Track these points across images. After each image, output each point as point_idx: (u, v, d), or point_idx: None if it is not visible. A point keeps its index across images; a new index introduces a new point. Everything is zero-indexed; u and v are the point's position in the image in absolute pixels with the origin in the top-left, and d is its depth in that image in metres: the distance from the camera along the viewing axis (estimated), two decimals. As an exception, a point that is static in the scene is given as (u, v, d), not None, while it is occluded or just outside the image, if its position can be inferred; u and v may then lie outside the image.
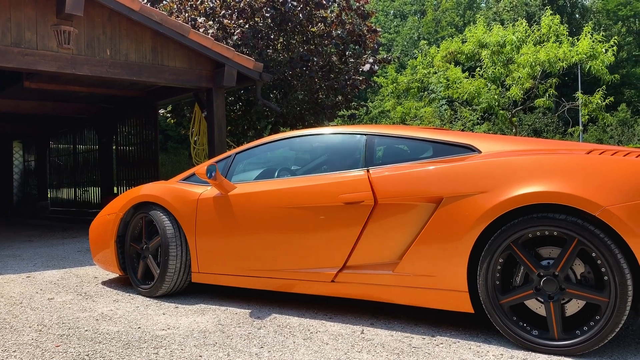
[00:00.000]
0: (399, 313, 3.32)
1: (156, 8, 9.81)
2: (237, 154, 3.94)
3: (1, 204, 15.01)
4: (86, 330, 3.12)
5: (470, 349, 2.69)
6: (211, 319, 3.31)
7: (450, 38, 16.61)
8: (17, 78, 8.29)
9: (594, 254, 2.51)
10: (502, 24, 20.55)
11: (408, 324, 3.11)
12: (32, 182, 14.85)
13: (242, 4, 10.32)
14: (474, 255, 2.80)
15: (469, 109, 17.48)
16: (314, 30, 10.65)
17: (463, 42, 15.13)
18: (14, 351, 2.79)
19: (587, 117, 14.98)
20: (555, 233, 2.58)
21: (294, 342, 2.84)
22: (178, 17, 10.27)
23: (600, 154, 2.74)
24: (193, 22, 9.98)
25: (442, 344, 2.77)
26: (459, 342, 2.79)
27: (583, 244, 2.52)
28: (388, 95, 20.68)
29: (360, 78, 11.18)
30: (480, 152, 3.05)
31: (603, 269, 2.49)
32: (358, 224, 3.20)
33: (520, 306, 2.73)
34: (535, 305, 2.68)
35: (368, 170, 3.24)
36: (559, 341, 2.56)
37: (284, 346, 2.78)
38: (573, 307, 2.62)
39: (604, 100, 14.13)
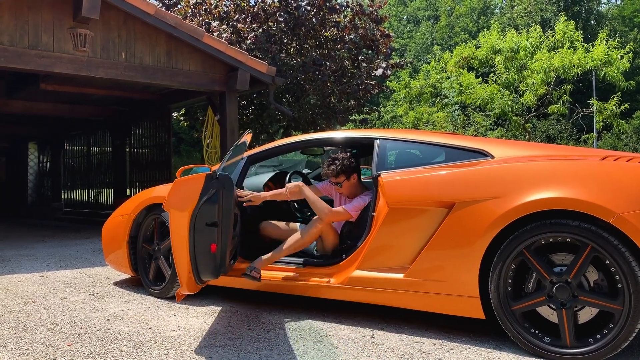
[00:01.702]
0: (409, 318, 3.30)
1: (171, 12, 9.89)
2: (249, 157, 3.96)
3: (15, 205, 15.19)
4: (98, 330, 3.15)
5: (481, 355, 2.67)
6: (222, 321, 3.32)
7: (464, 43, 16.54)
8: (34, 80, 8.40)
9: (607, 261, 2.48)
10: (517, 30, 20.45)
11: (419, 329, 3.09)
12: (47, 183, 15.01)
13: (256, 9, 10.38)
14: (486, 261, 2.79)
15: (482, 115, 17.40)
16: (327, 34, 10.67)
17: (477, 48, 15.06)
18: (27, 349, 2.82)
19: (601, 124, 14.82)
20: (568, 239, 2.56)
21: (304, 345, 2.84)
22: (192, 21, 10.35)
23: (614, 161, 2.72)
24: (207, 26, 10.04)
25: (452, 349, 2.75)
26: (469, 348, 2.77)
27: (596, 251, 2.50)
28: (400, 100, 20.64)
29: (373, 83, 11.17)
30: (493, 157, 3.03)
31: (617, 277, 2.46)
32: (369, 228, 3.20)
33: (532, 313, 2.71)
34: (547, 312, 2.66)
35: (379, 175, 3.24)
36: (571, 349, 2.53)
37: (294, 349, 2.78)
38: (586, 314, 2.59)
39: (619, 107, 13.98)
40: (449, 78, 16.44)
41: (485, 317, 2.82)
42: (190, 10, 10.80)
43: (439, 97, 17.33)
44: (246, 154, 3.95)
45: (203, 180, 2.87)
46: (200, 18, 10.51)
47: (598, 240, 2.47)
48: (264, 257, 3.44)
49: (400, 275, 3.03)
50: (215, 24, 10.18)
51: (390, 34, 11.66)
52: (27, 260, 5.87)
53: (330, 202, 3.84)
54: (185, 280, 2.89)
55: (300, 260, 3.49)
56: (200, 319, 3.39)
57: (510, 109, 14.11)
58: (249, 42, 9.86)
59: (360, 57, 11.07)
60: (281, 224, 3.82)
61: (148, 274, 4.08)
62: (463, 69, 15.34)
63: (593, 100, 14.88)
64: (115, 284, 4.53)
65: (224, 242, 3.01)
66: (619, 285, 2.46)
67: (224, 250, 3.02)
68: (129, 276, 4.70)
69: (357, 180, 3.61)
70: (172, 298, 3.90)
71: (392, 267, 3.08)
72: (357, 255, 3.21)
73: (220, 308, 3.64)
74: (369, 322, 3.25)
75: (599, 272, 2.58)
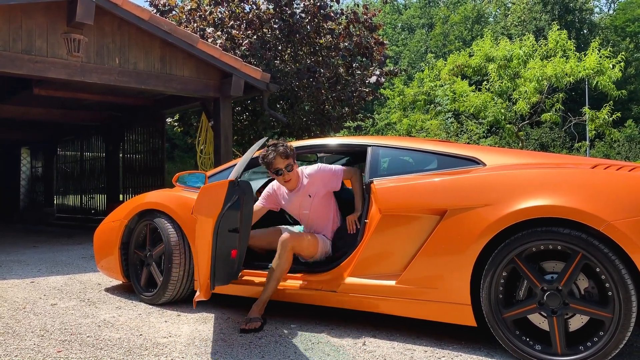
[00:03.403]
0: (400, 325, 3.30)
1: (165, 18, 9.90)
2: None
3: (8, 210, 15.09)
4: (88, 337, 3.13)
5: (472, 362, 2.67)
6: (213, 328, 3.31)
7: (458, 52, 16.66)
8: (27, 85, 8.37)
9: (598, 269, 2.49)
10: (510, 39, 20.59)
11: (410, 336, 3.09)
12: (39, 188, 14.94)
13: (250, 15, 10.40)
14: (478, 268, 2.79)
15: (475, 123, 17.48)
16: (321, 41, 10.71)
17: (470, 56, 15.16)
18: (16, 356, 2.79)
19: (594, 132, 14.93)
20: (559, 247, 2.57)
21: (295, 352, 2.83)
22: (187, 27, 10.36)
23: (605, 169, 2.74)
24: (202, 33, 10.06)
25: (444, 357, 2.75)
26: (461, 355, 2.77)
27: (587, 259, 2.51)
28: (394, 107, 20.73)
29: (367, 90, 11.22)
30: (485, 164, 3.05)
31: (607, 284, 2.47)
32: (361, 235, 3.20)
33: (523, 320, 2.71)
34: (538, 320, 2.67)
35: (372, 181, 3.24)
36: (562, 356, 2.54)
37: (285, 356, 2.78)
38: (577, 322, 2.60)
39: (611, 116, 14.10)
40: (442, 86, 16.52)
41: (477, 325, 2.82)
42: (184, 17, 10.82)
43: (432, 105, 17.41)
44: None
45: (226, 187, 2.89)
46: (195, 24, 10.53)
47: (588, 248, 2.48)
48: (255, 304, 3.36)
49: (392, 283, 3.03)
50: (209, 30, 10.20)
51: (385, 42, 11.73)
52: (18, 266, 5.83)
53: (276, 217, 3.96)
54: (204, 286, 2.89)
55: (293, 267, 3.48)
56: (192, 325, 3.37)
57: (503, 117, 14.20)
58: (243, 48, 9.88)
59: (354, 65, 11.11)
60: (267, 231, 3.77)
61: (140, 280, 4.06)
62: (457, 77, 15.43)
63: (585, 109, 14.99)
64: (107, 290, 4.50)
65: (243, 248, 3.06)
66: (609, 293, 2.47)
67: (241, 256, 3.07)
68: (121, 282, 4.67)
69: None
70: (163, 304, 3.88)
71: (384, 274, 3.08)
72: (349, 262, 3.21)
73: (212, 315, 3.63)
74: (360, 330, 3.25)
75: (590, 280, 2.59)
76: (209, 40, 9.72)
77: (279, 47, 10.48)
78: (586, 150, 22.07)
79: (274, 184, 3.73)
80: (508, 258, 2.67)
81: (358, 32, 11.00)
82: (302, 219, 3.70)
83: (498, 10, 42.08)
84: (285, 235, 3.37)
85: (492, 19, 42.93)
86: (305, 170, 3.62)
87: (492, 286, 2.72)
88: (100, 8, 6.46)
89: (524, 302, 2.68)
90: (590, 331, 2.57)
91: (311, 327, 3.31)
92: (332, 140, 3.82)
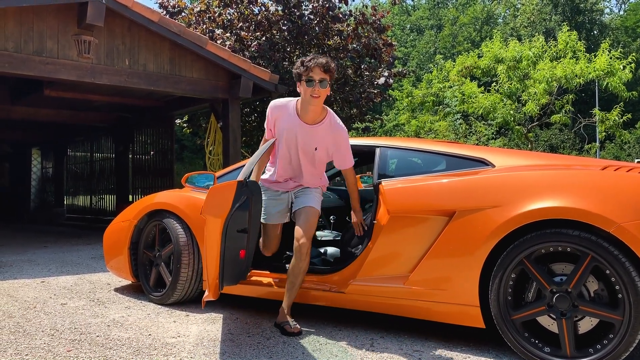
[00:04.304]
0: (409, 326, 3.30)
1: (175, 20, 9.95)
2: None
3: (18, 210, 15.22)
4: (97, 336, 3.15)
5: (480, 364, 2.66)
6: (221, 328, 3.32)
7: (467, 53, 16.60)
8: (38, 86, 8.45)
9: (607, 271, 2.48)
10: (520, 40, 20.51)
11: (418, 338, 3.09)
12: (49, 188, 15.05)
13: (259, 17, 10.43)
14: (486, 269, 2.78)
15: (484, 124, 17.42)
16: (330, 43, 10.72)
17: (479, 57, 15.11)
18: (27, 355, 2.82)
19: (604, 133, 14.82)
20: (568, 249, 2.56)
21: (303, 353, 2.84)
22: (196, 29, 10.41)
23: (615, 170, 2.72)
24: (211, 34, 10.10)
25: (452, 359, 2.75)
26: (469, 357, 2.76)
27: (597, 261, 2.49)
28: (403, 108, 20.70)
29: (375, 91, 11.21)
30: (494, 166, 3.04)
31: (617, 287, 2.46)
32: (369, 236, 3.20)
33: (532, 322, 2.70)
34: (547, 322, 2.65)
35: (380, 182, 3.24)
36: (572, 359, 2.52)
37: (293, 357, 2.78)
38: (586, 324, 2.58)
39: (622, 117, 13.99)
40: (451, 87, 16.47)
41: (485, 327, 2.81)
42: (194, 18, 10.87)
43: (441, 106, 17.36)
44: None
45: (235, 187, 2.90)
46: (204, 26, 10.57)
47: (598, 250, 2.47)
48: (281, 308, 3.24)
49: (400, 284, 3.02)
50: (219, 31, 10.24)
51: (393, 43, 11.71)
52: (29, 266, 5.88)
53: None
54: (213, 286, 2.91)
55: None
56: (200, 326, 3.39)
57: (512, 119, 14.13)
58: (252, 50, 9.91)
59: (362, 66, 11.11)
60: (273, 230, 3.47)
61: (149, 280, 4.08)
62: (465, 78, 15.37)
63: (595, 110, 14.88)
64: (116, 290, 4.53)
65: (252, 248, 3.07)
66: (619, 296, 2.45)
67: (250, 257, 3.08)
68: (130, 282, 4.70)
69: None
70: (172, 305, 3.90)
71: (392, 275, 3.07)
72: (357, 263, 3.21)
73: (220, 315, 3.64)
74: (368, 331, 3.25)
75: (599, 282, 2.57)
76: (218, 41, 9.75)
77: (288, 49, 10.50)
78: (596, 151, 21.91)
79: (287, 104, 3.29)
80: (517, 260, 2.66)
81: (366, 34, 11.00)
82: (292, 159, 3.29)
83: (507, 11, 41.90)
84: (303, 240, 3.15)
85: (501, 20, 42.76)
86: (336, 117, 3.30)
87: (501, 288, 2.71)
88: (111, 10, 6.51)
89: (533, 304, 2.67)
90: (600, 334, 2.55)
91: (319, 328, 3.31)
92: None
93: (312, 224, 3.24)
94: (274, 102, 3.31)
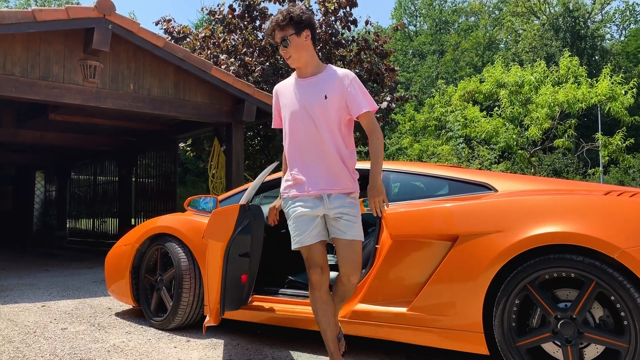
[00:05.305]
0: (412, 352, 3.25)
1: (180, 45, 10.08)
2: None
3: (21, 233, 15.22)
4: (97, 362, 3.11)
5: (485, 392, 2.62)
6: (222, 354, 3.28)
7: (469, 77, 16.72)
8: (43, 110, 8.52)
9: (612, 297, 2.45)
10: (521, 65, 20.66)
11: (422, 365, 3.04)
12: (52, 212, 15.06)
13: (263, 43, 10.56)
14: (490, 295, 2.76)
15: (486, 148, 17.43)
16: (333, 68, 10.81)
17: (481, 82, 15.20)
18: (25, 380, 2.79)
19: (607, 158, 14.81)
20: (572, 275, 2.54)
21: (305, 380, 2.79)
22: (200, 54, 10.54)
23: (618, 195, 2.71)
24: (215, 59, 10.22)
25: (456, 386, 2.70)
26: (473, 385, 2.72)
27: (601, 287, 2.47)
28: (405, 132, 20.77)
29: (378, 115, 11.27)
30: (496, 190, 3.04)
31: (622, 313, 2.43)
32: (371, 261, 3.18)
33: (537, 349, 2.66)
34: (552, 349, 2.62)
35: (383, 207, 3.23)
36: (578, 387, 2.48)
37: (295, 384, 2.74)
38: (592, 351, 2.54)
39: (624, 142, 14.00)
40: (453, 111, 16.54)
41: (489, 353, 2.77)
42: (199, 44, 11.01)
43: (443, 130, 17.41)
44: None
45: (237, 211, 2.90)
46: (209, 51, 10.70)
47: (602, 275, 2.45)
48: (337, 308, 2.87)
49: (403, 309, 2.99)
50: (223, 57, 10.36)
51: (395, 68, 11.82)
52: (30, 290, 5.85)
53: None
54: (214, 311, 2.89)
55: (304, 292, 3.47)
56: (201, 351, 3.35)
57: (515, 143, 14.14)
58: (256, 74, 10.02)
59: (365, 90, 11.18)
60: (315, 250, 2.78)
61: (150, 304, 4.06)
62: (467, 102, 15.45)
63: (598, 135, 14.90)
64: (117, 314, 4.50)
65: (253, 273, 3.05)
66: (625, 322, 2.42)
67: (252, 282, 3.06)
68: (131, 307, 4.67)
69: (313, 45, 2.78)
70: (173, 330, 3.86)
71: (395, 300, 3.04)
72: (359, 288, 3.18)
73: (221, 341, 3.60)
74: (371, 357, 3.20)
75: (605, 309, 2.54)
76: (223, 66, 9.86)
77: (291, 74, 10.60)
78: (600, 176, 21.87)
79: (287, 79, 2.96)
80: (521, 285, 2.64)
81: (369, 59, 11.11)
82: (305, 128, 2.73)
83: (509, 36, 42.32)
84: (354, 278, 2.74)
85: (502, 46, 43.15)
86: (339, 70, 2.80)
87: (505, 314, 2.68)
88: (117, 35, 6.60)
89: (538, 331, 2.63)
90: (606, 361, 2.51)
91: (321, 355, 3.27)
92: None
93: (359, 261, 2.74)
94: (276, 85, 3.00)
